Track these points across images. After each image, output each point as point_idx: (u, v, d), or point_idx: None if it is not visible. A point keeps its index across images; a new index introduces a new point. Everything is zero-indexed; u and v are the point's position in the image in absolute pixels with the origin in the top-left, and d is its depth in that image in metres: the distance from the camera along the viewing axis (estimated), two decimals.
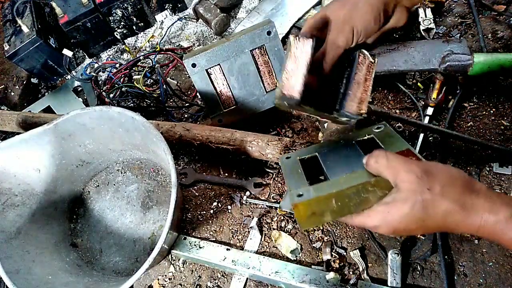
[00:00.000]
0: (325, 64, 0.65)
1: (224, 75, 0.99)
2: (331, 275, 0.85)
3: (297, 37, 0.64)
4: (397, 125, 1.04)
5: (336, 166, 0.69)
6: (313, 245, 0.93)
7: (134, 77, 1.22)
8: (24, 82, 1.34)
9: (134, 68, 1.23)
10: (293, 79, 0.63)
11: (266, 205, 0.99)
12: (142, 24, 1.35)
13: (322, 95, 0.67)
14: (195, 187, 1.07)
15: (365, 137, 0.74)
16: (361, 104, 0.66)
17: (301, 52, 0.64)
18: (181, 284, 0.95)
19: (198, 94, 1.12)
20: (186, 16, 1.38)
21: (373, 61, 0.66)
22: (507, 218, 0.51)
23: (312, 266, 0.89)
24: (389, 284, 0.85)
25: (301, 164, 0.75)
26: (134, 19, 1.31)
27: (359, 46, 0.68)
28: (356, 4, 0.64)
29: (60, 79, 1.36)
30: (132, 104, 1.21)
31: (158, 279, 0.97)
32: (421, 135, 0.99)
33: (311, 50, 0.63)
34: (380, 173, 0.59)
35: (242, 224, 0.99)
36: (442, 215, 0.53)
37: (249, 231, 0.97)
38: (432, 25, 1.12)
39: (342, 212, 0.61)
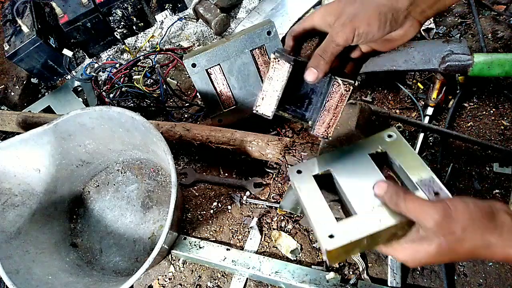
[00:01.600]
0: (323, 62, 0.64)
1: (224, 75, 0.99)
2: (331, 275, 0.85)
3: (277, 59, 0.66)
4: (397, 125, 1.04)
5: (354, 186, 0.72)
6: (313, 245, 0.93)
7: (134, 77, 1.22)
8: (24, 82, 1.34)
9: (134, 68, 1.23)
10: (267, 99, 0.69)
11: (266, 205, 0.99)
12: (142, 24, 1.35)
13: (298, 101, 0.71)
14: (195, 187, 1.07)
15: (379, 150, 0.76)
16: (328, 129, 0.71)
17: (278, 74, 0.67)
18: (181, 284, 0.95)
19: (198, 94, 1.12)
20: (186, 16, 1.38)
21: (347, 89, 0.67)
22: None
23: (312, 266, 0.88)
24: (389, 284, 0.85)
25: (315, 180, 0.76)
26: (134, 19, 1.31)
27: (366, 55, 0.69)
28: (364, 5, 0.62)
29: (60, 79, 1.36)
30: (132, 104, 1.21)
31: (158, 279, 0.97)
32: (421, 135, 0.99)
33: (288, 74, 0.66)
34: (400, 212, 0.61)
35: (242, 224, 0.99)
36: (467, 253, 0.55)
37: (249, 231, 0.97)
38: (432, 25, 1.12)
39: (371, 247, 0.66)
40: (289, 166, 0.96)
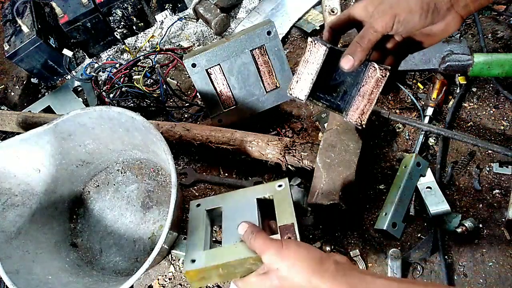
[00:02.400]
0: (360, 49, 0.62)
1: (224, 75, 0.99)
2: None
3: (314, 42, 0.65)
4: (397, 125, 1.04)
5: (231, 223, 0.81)
6: (313, 245, 0.93)
7: (134, 77, 1.22)
8: (24, 82, 1.34)
9: (134, 68, 1.23)
10: (301, 83, 0.68)
11: None
12: (142, 24, 1.35)
13: (333, 90, 0.70)
14: (195, 187, 1.07)
15: (267, 196, 0.83)
16: (362, 116, 0.69)
17: (314, 57, 0.66)
18: (181, 284, 0.95)
19: (198, 94, 1.12)
20: (186, 16, 1.38)
21: (383, 75, 0.66)
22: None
23: None
24: None
25: (208, 213, 0.86)
26: (134, 19, 1.31)
27: (402, 48, 0.67)
28: None
29: (60, 79, 1.36)
30: (132, 104, 1.21)
31: (158, 279, 0.97)
32: (421, 135, 0.99)
33: (323, 57, 0.65)
34: (251, 248, 0.67)
35: None
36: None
37: None
38: None
39: (228, 277, 0.76)
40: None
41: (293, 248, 0.60)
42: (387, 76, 0.66)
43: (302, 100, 0.69)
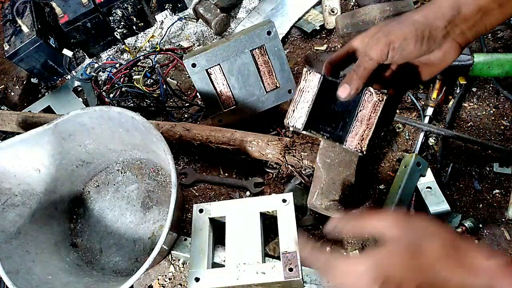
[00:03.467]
0: (356, 77, 0.62)
1: (224, 75, 0.99)
2: None
3: (309, 71, 0.66)
4: (397, 125, 1.04)
5: (235, 239, 0.83)
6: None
7: (134, 77, 1.22)
8: (24, 82, 1.34)
9: (134, 68, 1.23)
10: (298, 111, 0.68)
11: None
12: (142, 24, 1.35)
13: (332, 121, 0.69)
14: (195, 187, 1.07)
15: (270, 211, 0.85)
16: (362, 141, 0.68)
17: (309, 86, 0.66)
18: (181, 284, 0.95)
19: (198, 94, 1.12)
20: (186, 16, 1.38)
21: (380, 99, 0.66)
22: (502, 264, 0.47)
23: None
24: None
25: (211, 221, 0.88)
26: (134, 19, 1.31)
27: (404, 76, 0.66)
28: (401, 22, 0.59)
29: (60, 79, 1.36)
30: (132, 104, 1.21)
31: (158, 279, 0.97)
32: (421, 135, 0.99)
33: (319, 85, 0.65)
34: (360, 232, 0.60)
35: None
36: (437, 255, 0.50)
37: None
38: None
39: None
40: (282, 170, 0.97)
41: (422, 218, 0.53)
42: (384, 100, 0.65)
43: (300, 129, 0.68)
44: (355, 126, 0.67)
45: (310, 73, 0.66)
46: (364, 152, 0.68)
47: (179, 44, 1.33)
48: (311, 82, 0.67)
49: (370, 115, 0.67)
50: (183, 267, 0.97)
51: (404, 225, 0.52)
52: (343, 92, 0.62)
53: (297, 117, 0.68)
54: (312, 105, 0.66)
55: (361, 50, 0.62)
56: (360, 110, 0.66)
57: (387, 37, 0.59)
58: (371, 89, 0.65)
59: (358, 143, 0.68)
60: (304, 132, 0.68)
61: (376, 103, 0.66)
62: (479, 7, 0.58)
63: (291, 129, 0.69)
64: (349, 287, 0.52)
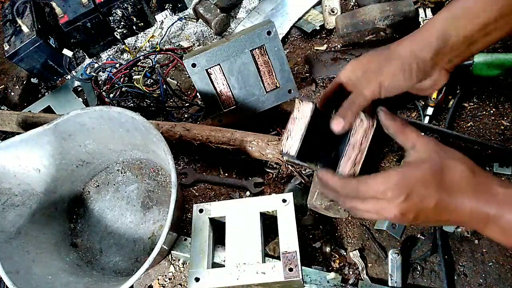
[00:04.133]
0: (350, 113, 0.65)
1: (224, 75, 0.99)
2: (331, 275, 0.85)
3: (301, 100, 0.70)
4: None
5: (235, 239, 0.84)
6: (313, 245, 0.93)
7: (134, 77, 1.22)
8: (24, 82, 1.34)
9: (134, 68, 1.23)
10: (291, 139, 0.70)
11: None
12: (142, 24, 1.35)
13: (325, 147, 0.72)
14: (195, 187, 1.07)
15: (270, 211, 0.85)
16: (355, 166, 0.69)
17: (302, 114, 0.69)
18: (181, 284, 0.95)
19: (198, 94, 1.12)
20: (186, 16, 1.38)
21: (371, 124, 0.68)
22: None
23: (312, 266, 0.88)
24: (389, 284, 0.85)
25: (211, 221, 0.88)
26: (134, 19, 1.31)
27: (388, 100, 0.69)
28: (389, 58, 0.62)
29: (60, 79, 1.36)
30: (132, 104, 1.21)
31: (158, 279, 0.97)
32: None
33: (311, 113, 0.68)
34: (395, 134, 0.61)
35: None
36: (459, 177, 0.54)
37: None
38: None
39: None
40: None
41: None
42: (375, 125, 0.67)
43: (294, 156, 0.70)
44: (348, 152, 0.69)
45: (302, 101, 0.70)
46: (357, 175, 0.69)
47: (179, 44, 1.33)
48: (304, 111, 0.69)
49: (362, 141, 0.69)
50: (183, 267, 0.97)
51: (434, 148, 0.56)
52: (337, 125, 0.65)
53: (291, 144, 0.70)
54: (305, 133, 0.69)
55: (354, 86, 0.65)
56: (352, 136, 0.68)
57: (378, 77, 0.62)
58: (362, 115, 0.68)
59: (351, 168, 0.69)
60: (297, 161, 0.71)
61: (367, 129, 0.68)
62: (465, 38, 0.60)
63: (285, 158, 0.71)
64: (373, 203, 0.55)
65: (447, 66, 0.63)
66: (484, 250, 0.87)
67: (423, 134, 0.58)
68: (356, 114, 0.66)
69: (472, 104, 1.04)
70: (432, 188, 0.53)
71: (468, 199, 0.52)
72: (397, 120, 0.61)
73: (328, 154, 0.72)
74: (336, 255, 0.91)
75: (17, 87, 1.33)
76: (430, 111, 1.01)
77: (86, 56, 1.37)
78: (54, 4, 1.23)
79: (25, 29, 1.21)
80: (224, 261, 0.86)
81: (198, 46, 1.32)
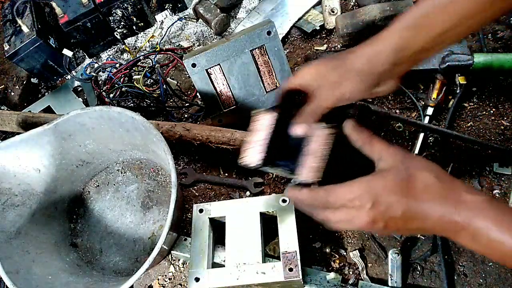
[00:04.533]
0: (311, 120, 0.68)
1: (224, 75, 0.99)
2: (331, 275, 0.85)
3: (260, 112, 0.72)
4: (397, 125, 1.04)
5: (235, 239, 0.84)
6: (313, 245, 0.93)
7: (134, 77, 1.22)
8: (24, 82, 1.34)
9: (134, 68, 1.23)
10: (251, 150, 0.71)
11: None
12: (142, 24, 1.35)
13: (287, 155, 0.73)
14: (195, 187, 1.07)
15: (270, 212, 0.86)
16: (316, 173, 0.71)
17: (261, 125, 0.71)
18: (181, 284, 0.95)
19: (198, 94, 1.12)
20: (186, 16, 1.38)
21: (330, 133, 0.71)
22: (485, 200, 0.50)
23: (312, 266, 0.89)
24: (389, 284, 0.85)
25: (211, 221, 0.88)
26: (134, 19, 1.31)
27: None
28: (348, 72, 0.65)
29: (60, 79, 1.36)
30: (132, 104, 1.21)
31: (158, 279, 0.97)
32: (421, 135, 0.99)
33: (270, 123, 0.70)
34: (362, 147, 0.62)
35: None
36: (425, 184, 0.53)
37: None
38: None
39: None
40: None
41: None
42: (334, 133, 0.70)
43: (260, 166, 0.70)
44: (309, 159, 0.70)
45: (260, 114, 0.72)
46: (319, 179, 0.71)
47: (179, 44, 1.33)
48: (264, 121, 0.71)
49: (322, 148, 0.71)
50: (183, 267, 0.97)
51: (400, 157, 0.56)
52: (297, 130, 0.69)
53: (253, 155, 0.70)
54: (267, 143, 0.70)
55: (314, 94, 0.67)
56: (312, 144, 0.70)
57: (338, 89, 0.65)
58: (322, 124, 0.70)
59: (313, 175, 0.70)
60: (262, 169, 0.71)
61: (327, 137, 0.70)
62: (423, 48, 0.61)
63: (249, 166, 0.71)
64: (344, 212, 0.56)
65: (401, 73, 0.65)
66: None
67: (390, 145, 0.59)
68: (316, 120, 0.68)
69: (472, 104, 1.04)
70: (397, 196, 0.53)
71: (435, 206, 0.51)
72: (364, 132, 0.62)
73: (291, 159, 0.73)
74: (336, 255, 0.91)
75: (17, 87, 1.33)
76: (430, 111, 1.01)
77: (86, 56, 1.37)
78: (54, 4, 1.23)
79: (25, 29, 1.21)
80: (224, 261, 0.86)
81: (198, 46, 1.32)
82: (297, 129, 0.69)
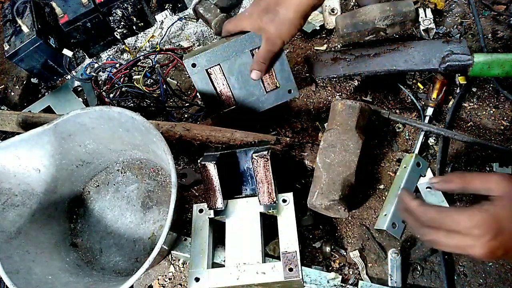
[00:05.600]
0: (264, 65, 0.89)
1: (224, 75, 0.99)
2: (331, 275, 0.85)
3: (203, 163, 0.83)
4: (397, 125, 1.04)
5: (235, 239, 0.85)
6: (313, 245, 0.93)
7: (134, 77, 1.22)
8: (24, 82, 1.34)
9: (134, 68, 1.23)
10: (212, 197, 0.85)
11: None
12: (142, 24, 1.34)
13: (241, 185, 0.91)
14: (195, 188, 1.07)
15: (270, 211, 0.86)
16: (270, 196, 0.83)
17: (210, 174, 0.83)
18: (181, 284, 0.95)
19: (198, 94, 1.12)
20: (186, 16, 1.38)
21: (265, 159, 0.81)
22: None
23: (312, 266, 0.89)
24: (389, 284, 0.85)
25: (211, 221, 0.90)
26: (134, 19, 1.31)
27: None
28: (283, 20, 0.81)
29: (60, 79, 1.36)
30: (132, 104, 1.21)
31: (158, 279, 0.97)
32: (421, 135, 0.99)
33: (216, 170, 0.82)
34: (465, 191, 0.62)
35: None
36: None
37: None
38: (432, 25, 1.12)
39: None
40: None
41: None
42: (268, 159, 0.81)
43: (221, 208, 0.85)
44: (260, 187, 0.83)
45: (204, 165, 0.83)
46: (276, 203, 0.83)
47: (179, 44, 1.33)
48: (210, 170, 0.83)
49: (266, 174, 0.82)
50: (183, 267, 0.97)
51: (507, 184, 0.56)
52: (256, 75, 0.92)
53: (214, 200, 0.84)
54: (220, 186, 0.82)
55: (256, 33, 0.89)
56: (257, 175, 0.83)
57: (281, 38, 0.84)
58: (255, 156, 0.82)
59: (268, 198, 0.83)
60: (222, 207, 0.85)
61: (265, 163, 0.82)
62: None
63: (216, 207, 0.85)
64: (458, 239, 0.55)
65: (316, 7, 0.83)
66: None
67: (485, 174, 0.60)
68: (267, 65, 0.89)
69: (472, 104, 1.04)
70: None
71: None
72: (452, 180, 0.63)
73: (245, 186, 0.89)
74: (336, 255, 0.91)
75: (17, 87, 1.33)
76: (430, 111, 1.01)
77: (86, 56, 1.37)
78: (54, 4, 1.22)
79: (25, 29, 1.21)
80: (224, 261, 0.86)
81: (198, 46, 1.32)
82: (255, 76, 0.91)
